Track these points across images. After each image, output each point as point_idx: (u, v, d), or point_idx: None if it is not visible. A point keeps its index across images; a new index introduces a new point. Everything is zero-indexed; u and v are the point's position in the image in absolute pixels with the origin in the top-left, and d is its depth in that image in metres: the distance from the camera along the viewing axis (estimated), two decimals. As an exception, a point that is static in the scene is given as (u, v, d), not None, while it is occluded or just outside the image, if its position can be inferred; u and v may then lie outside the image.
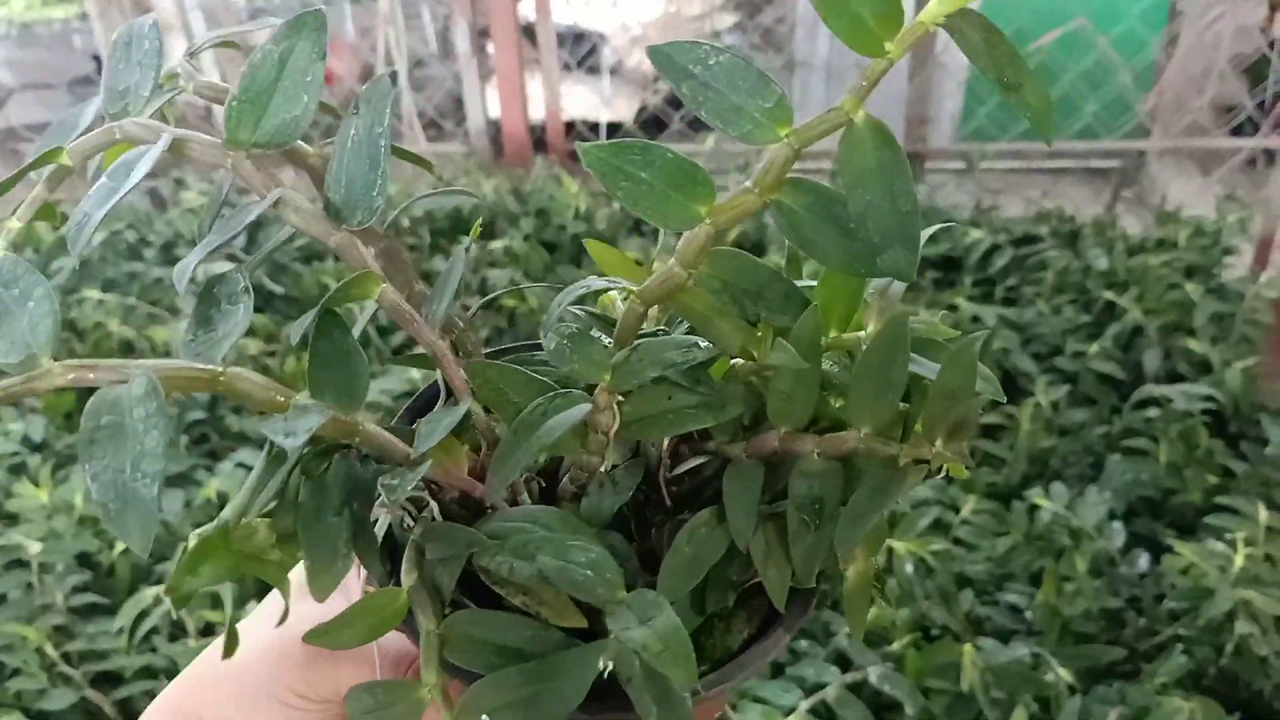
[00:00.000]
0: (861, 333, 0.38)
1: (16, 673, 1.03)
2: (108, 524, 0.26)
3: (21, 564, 1.12)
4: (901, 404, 0.35)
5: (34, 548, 1.11)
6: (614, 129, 2.64)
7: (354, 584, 0.42)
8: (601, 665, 0.33)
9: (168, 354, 1.45)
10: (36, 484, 1.18)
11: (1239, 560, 1.04)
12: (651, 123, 2.77)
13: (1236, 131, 2.41)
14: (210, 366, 0.30)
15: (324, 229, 0.34)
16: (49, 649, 1.04)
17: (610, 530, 0.38)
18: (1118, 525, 1.17)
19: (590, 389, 0.36)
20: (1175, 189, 2.46)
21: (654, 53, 0.32)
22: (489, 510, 0.37)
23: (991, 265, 1.76)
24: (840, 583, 0.38)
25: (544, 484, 0.41)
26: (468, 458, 0.37)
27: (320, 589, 0.34)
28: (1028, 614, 1.08)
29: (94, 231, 0.32)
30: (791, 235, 0.33)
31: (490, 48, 2.40)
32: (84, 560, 1.14)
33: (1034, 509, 1.20)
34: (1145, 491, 1.28)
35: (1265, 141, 2.29)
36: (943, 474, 0.35)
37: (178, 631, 1.09)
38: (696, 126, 2.63)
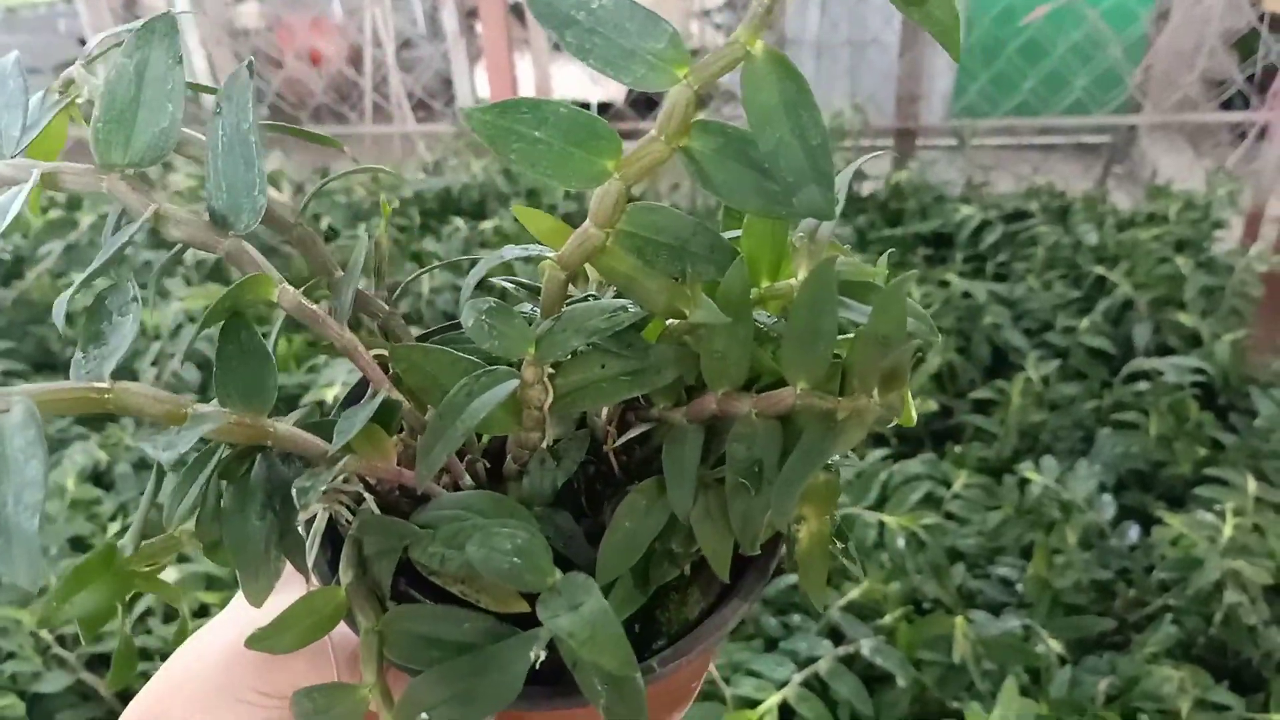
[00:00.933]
0: (793, 280, 0.37)
1: (11, 656, 1.03)
2: None
3: (14, 548, 1.12)
4: (838, 356, 0.33)
5: (26, 531, 1.11)
6: (604, 108, 2.63)
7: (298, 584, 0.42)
8: (533, 656, 0.31)
9: (157, 337, 1.45)
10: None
11: (1228, 531, 1.05)
12: (641, 102, 2.76)
13: (1226, 106, 2.41)
14: (95, 384, 0.29)
15: (210, 238, 0.33)
16: (43, 632, 1.04)
17: (558, 509, 0.37)
18: (1108, 498, 1.18)
19: (519, 365, 0.35)
20: (1166, 164, 2.46)
21: (533, 4, 0.30)
22: (428, 499, 0.36)
23: (982, 241, 1.76)
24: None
25: (489, 465, 0.40)
26: (400, 447, 0.36)
27: (254, 595, 0.33)
28: (1018, 587, 1.09)
29: None
30: (704, 182, 0.31)
31: (479, 27, 2.39)
32: (76, 544, 1.14)
33: (1024, 483, 1.21)
34: (1135, 464, 1.28)
35: (1255, 115, 2.29)
36: (891, 424, 0.34)
37: (172, 613, 1.09)
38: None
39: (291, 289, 0.34)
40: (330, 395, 1.26)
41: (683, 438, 0.35)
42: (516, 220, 1.76)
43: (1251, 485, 1.11)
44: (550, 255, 0.34)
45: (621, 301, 0.34)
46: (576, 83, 2.74)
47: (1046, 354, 1.50)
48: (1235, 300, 1.56)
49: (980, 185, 1.99)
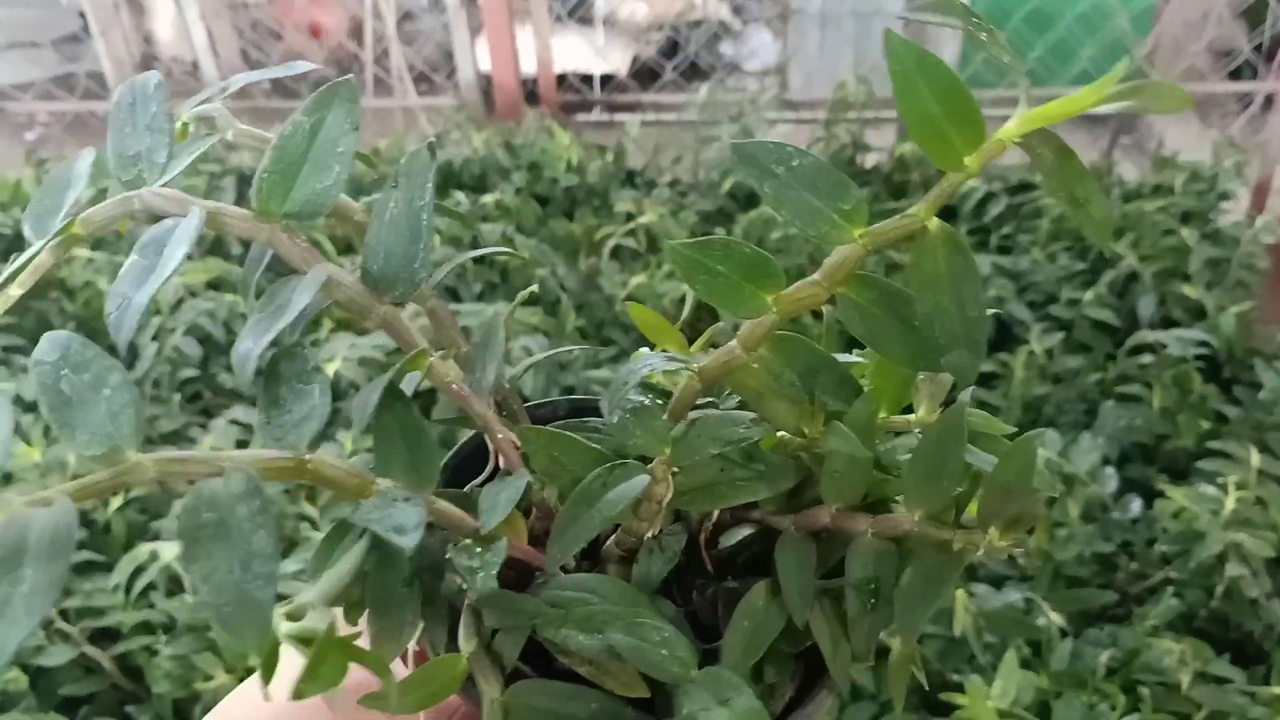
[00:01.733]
0: (911, 416, 0.39)
1: (14, 630, 1.04)
2: (218, 626, 0.25)
3: (17, 523, 1.12)
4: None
5: (28, 506, 1.11)
6: (606, 80, 2.62)
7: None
8: None
9: (157, 312, 1.45)
10: (29, 443, 1.18)
11: (1230, 504, 1.04)
12: (644, 73, 2.74)
13: (1234, 76, 2.39)
14: (296, 455, 0.30)
15: (367, 303, 0.34)
16: (46, 606, 1.04)
17: (658, 596, 0.38)
18: (1110, 471, 1.18)
19: (644, 459, 0.36)
20: (1173, 135, 2.45)
21: (738, 149, 0.33)
22: (536, 573, 0.37)
23: (987, 213, 1.75)
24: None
25: (585, 548, 0.40)
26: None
27: (386, 655, 0.33)
28: (1020, 560, 1.09)
29: (138, 317, 0.30)
30: (855, 327, 0.34)
31: (480, -1, 2.37)
32: (79, 518, 1.14)
33: (1027, 456, 1.20)
34: (1138, 437, 1.28)
35: (1263, 85, 2.26)
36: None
37: (175, 587, 1.09)
38: (690, 77, 2.60)
39: (439, 362, 0.35)
40: (331, 370, 1.26)
41: (796, 547, 0.37)
42: (518, 194, 1.75)
43: (1255, 458, 1.10)
44: (690, 368, 0.37)
45: (748, 414, 0.37)
46: (578, 55, 2.72)
47: (1050, 326, 1.49)
48: (1241, 272, 1.55)
49: (985, 157, 1.97)
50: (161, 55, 2.71)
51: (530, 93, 2.41)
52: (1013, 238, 1.71)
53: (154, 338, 1.40)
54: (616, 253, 1.63)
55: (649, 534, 0.38)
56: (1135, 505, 1.14)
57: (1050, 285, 1.56)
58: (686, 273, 0.34)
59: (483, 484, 0.39)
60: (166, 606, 1.06)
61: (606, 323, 1.51)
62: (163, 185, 0.33)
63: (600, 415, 0.38)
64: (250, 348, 0.31)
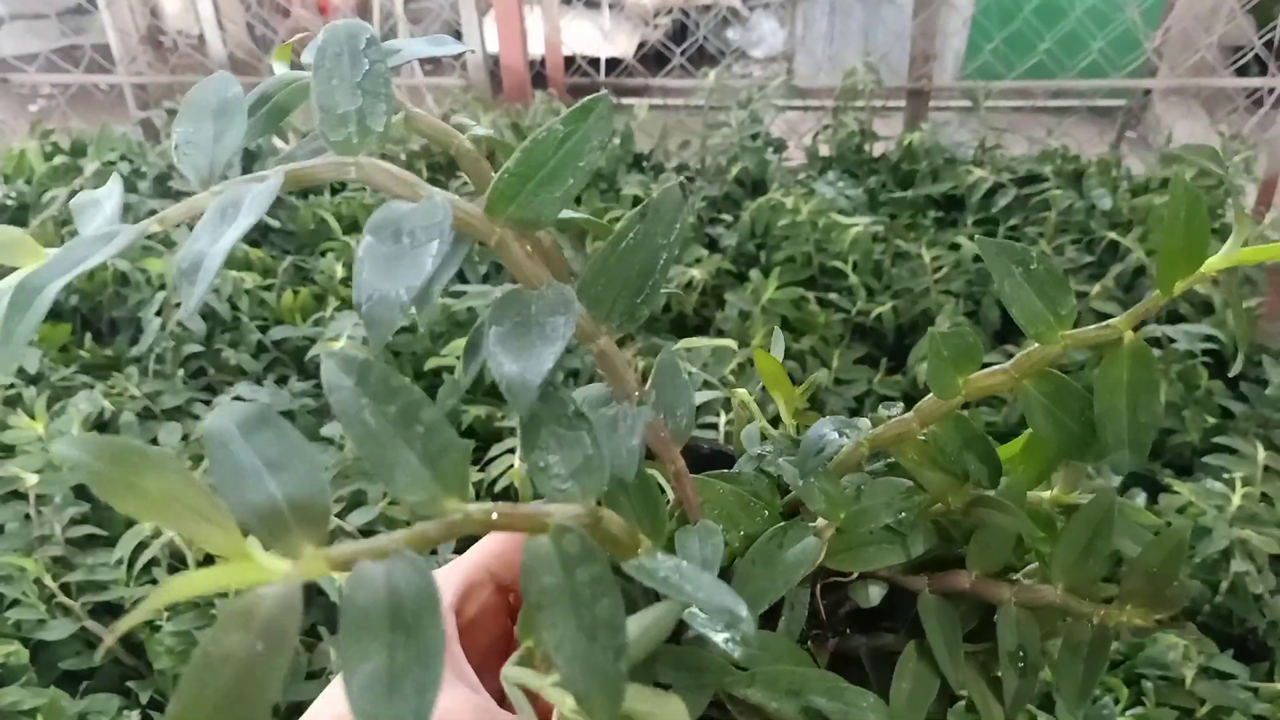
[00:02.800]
0: (1048, 493, 0.42)
1: (16, 603, 1.03)
2: (570, 689, 0.24)
3: (19, 495, 1.11)
4: None
5: (31, 479, 1.10)
6: (614, 64, 2.60)
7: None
8: None
9: (162, 287, 1.44)
10: (32, 416, 1.18)
11: (1236, 499, 1.04)
12: (651, 58, 2.73)
13: (1242, 71, 2.38)
14: (587, 508, 0.28)
15: (590, 330, 0.33)
16: (48, 580, 1.04)
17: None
18: (1116, 465, 1.18)
19: (797, 512, 0.38)
20: (1180, 129, 2.44)
21: (985, 247, 0.37)
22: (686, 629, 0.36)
23: (994, 205, 1.74)
24: None
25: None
26: None
27: (599, 712, 0.30)
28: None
29: (397, 313, 0.28)
30: (1029, 413, 0.37)
31: (488, -21, 2.36)
32: (81, 492, 1.14)
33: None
34: (1144, 432, 1.28)
35: (1272, 81, 2.26)
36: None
37: (177, 563, 1.09)
38: (697, 62, 2.59)
39: (643, 410, 0.35)
40: (337, 348, 1.26)
41: (939, 610, 0.39)
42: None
43: (1261, 454, 1.10)
44: (864, 437, 0.40)
45: (905, 482, 0.39)
46: (585, 38, 2.71)
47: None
48: (1248, 268, 1.55)
49: (993, 148, 1.97)
50: (168, 28, 2.69)
51: (538, 75, 2.40)
52: (1020, 230, 1.70)
53: (158, 313, 1.39)
54: (623, 236, 1.62)
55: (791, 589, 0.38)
56: (1140, 500, 1.14)
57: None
58: (933, 354, 0.37)
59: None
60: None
61: (612, 307, 1.51)
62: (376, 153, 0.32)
63: (694, 451, 0.39)
64: (521, 372, 0.29)
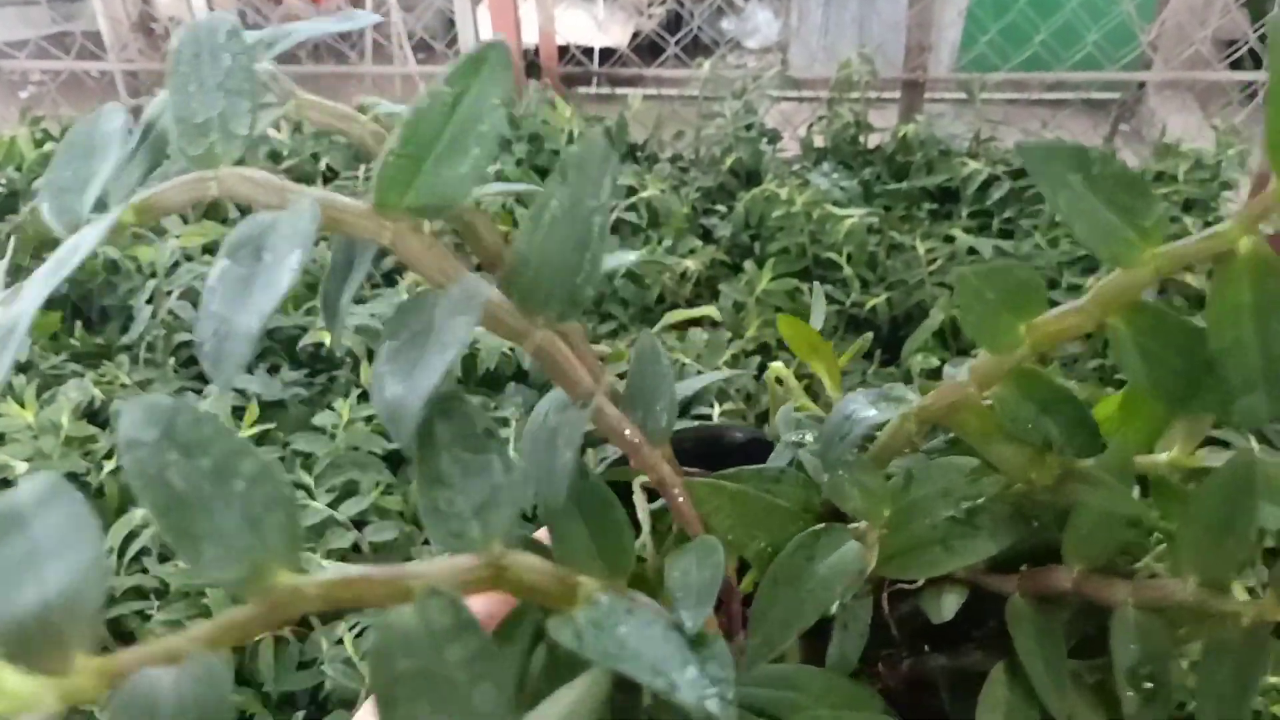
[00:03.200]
0: (1163, 456, 0.34)
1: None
2: None
3: (8, 484, 1.11)
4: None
5: (21, 468, 1.10)
6: (608, 54, 2.59)
7: None
8: None
9: (153, 274, 1.43)
10: (22, 404, 1.17)
11: (1230, 493, 1.04)
12: (646, 48, 2.72)
13: (1236, 65, 2.38)
14: (490, 559, 0.23)
15: (519, 326, 0.28)
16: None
17: (859, 680, 0.32)
18: (1109, 457, 1.17)
19: (839, 514, 0.31)
20: (1174, 123, 2.44)
21: (1025, 152, 0.29)
22: None
23: (989, 197, 1.74)
24: None
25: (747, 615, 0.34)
26: None
27: None
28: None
29: (246, 348, 0.23)
30: (1125, 359, 0.29)
31: (482, -33, 2.35)
32: (72, 480, 1.13)
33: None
34: (1137, 425, 1.28)
35: (1266, 75, 2.26)
36: None
37: (167, 553, 1.08)
38: (691, 52, 2.58)
39: (610, 405, 0.30)
40: (328, 339, 1.25)
41: (1034, 621, 0.31)
42: (518, 165, 1.74)
43: (1255, 448, 1.10)
44: (910, 408, 0.32)
45: (970, 461, 0.32)
46: (580, 27, 2.70)
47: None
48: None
49: (988, 140, 1.96)
50: (159, 15, 2.67)
51: (531, 64, 2.39)
52: (1015, 222, 1.70)
53: (149, 301, 1.39)
54: (617, 227, 1.62)
55: (836, 605, 0.32)
56: (1134, 491, 1.14)
57: (1051, 270, 1.56)
58: (965, 303, 0.29)
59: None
60: (159, 572, 1.05)
61: (606, 297, 1.50)
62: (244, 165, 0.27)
63: (725, 443, 0.33)
64: (404, 395, 0.24)
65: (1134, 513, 0.31)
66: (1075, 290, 1.50)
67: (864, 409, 0.32)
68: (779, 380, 0.39)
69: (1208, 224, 1.62)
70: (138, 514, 1.06)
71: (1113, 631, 0.30)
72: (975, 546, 0.31)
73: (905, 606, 0.34)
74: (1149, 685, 0.30)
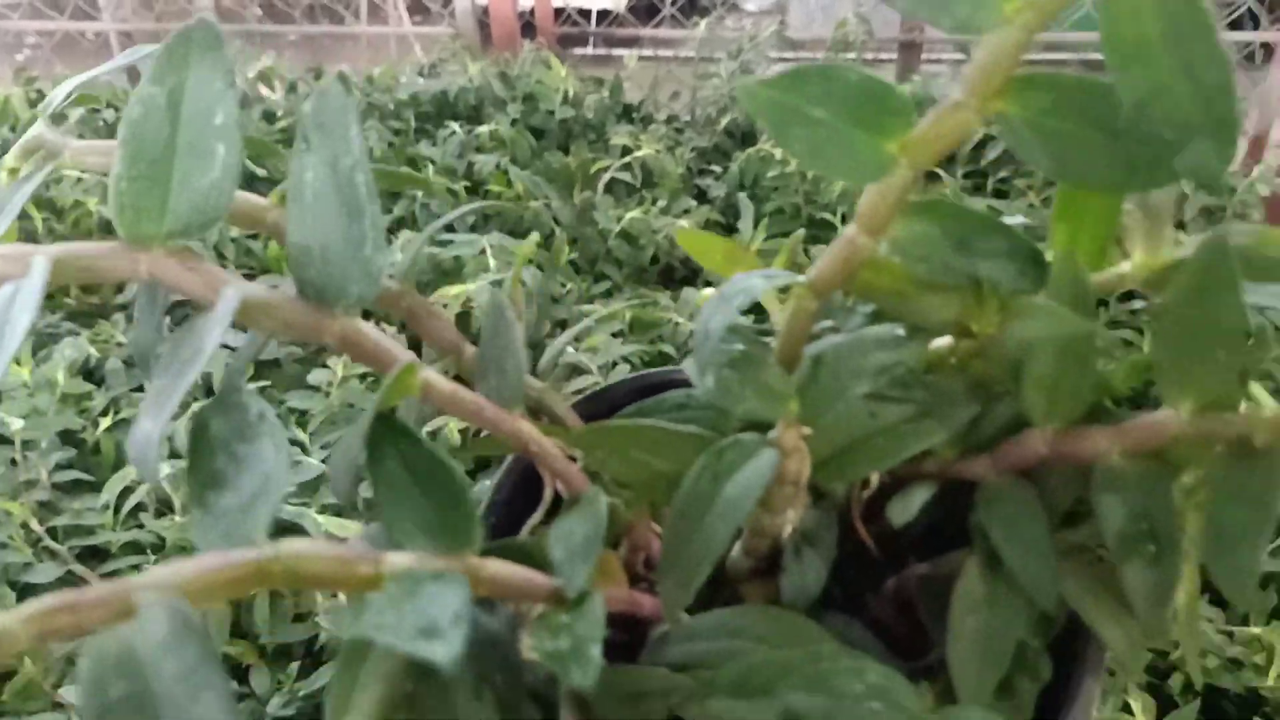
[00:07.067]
0: (1123, 267, 0.29)
1: (3, 547, 1.04)
2: None
3: (4, 440, 1.12)
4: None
5: (16, 424, 1.11)
6: (604, 15, 2.58)
7: None
8: None
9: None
10: (18, 362, 1.18)
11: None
12: (643, 9, 2.70)
13: (1235, 25, 2.37)
14: (253, 553, 0.21)
15: (313, 322, 0.25)
16: (34, 524, 1.05)
17: (827, 611, 0.28)
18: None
19: (758, 426, 0.26)
20: (1172, 84, 2.43)
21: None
22: (651, 625, 0.27)
23: (984, 157, 1.74)
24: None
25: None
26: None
27: None
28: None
29: None
30: (1032, 154, 0.24)
31: (477, -74, 2.33)
32: (67, 437, 1.14)
33: (1016, 398, 1.20)
34: (1127, 383, 1.28)
35: (1264, 35, 2.24)
36: None
37: (164, 508, 1.09)
38: (688, 13, 2.57)
39: (436, 375, 0.26)
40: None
41: (1008, 498, 0.27)
42: (513, 125, 1.73)
43: (1270, 403, 1.11)
44: (798, 281, 0.26)
45: (889, 328, 0.27)
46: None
47: (1043, 272, 1.49)
48: (1235, 222, 1.55)
49: (984, 100, 1.95)
50: (152, -24, 2.66)
51: (527, 24, 2.38)
52: (1009, 182, 1.70)
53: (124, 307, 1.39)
54: (611, 187, 1.62)
55: (788, 530, 0.27)
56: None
57: (1045, 231, 1.56)
58: (776, 124, 0.24)
59: (542, 523, 0.30)
60: (155, 526, 1.06)
61: (600, 257, 1.51)
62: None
63: (679, 386, 0.29)
64: (149, 430, 0.22)
65: (1085, 330, 0.25)
66: (1068, 250, 1.51)
67: (745, 286, 0.27)
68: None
69: (1200, 185, 1.62)
70: (134, 470, 1.07)
71: (1095, 490, 0.26)
72: (923, 430, 0.26)
73: (884, 524, 0.29)
74: (1150, 548, 0.25)
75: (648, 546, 0.29)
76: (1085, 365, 0.26)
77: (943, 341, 0.28)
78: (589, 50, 2.53)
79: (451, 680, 0.23)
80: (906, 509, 0.27)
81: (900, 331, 0.27)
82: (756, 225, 1.49)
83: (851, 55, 2.03)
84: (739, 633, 0.25)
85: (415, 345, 0.31)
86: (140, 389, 1.20)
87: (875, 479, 0.30)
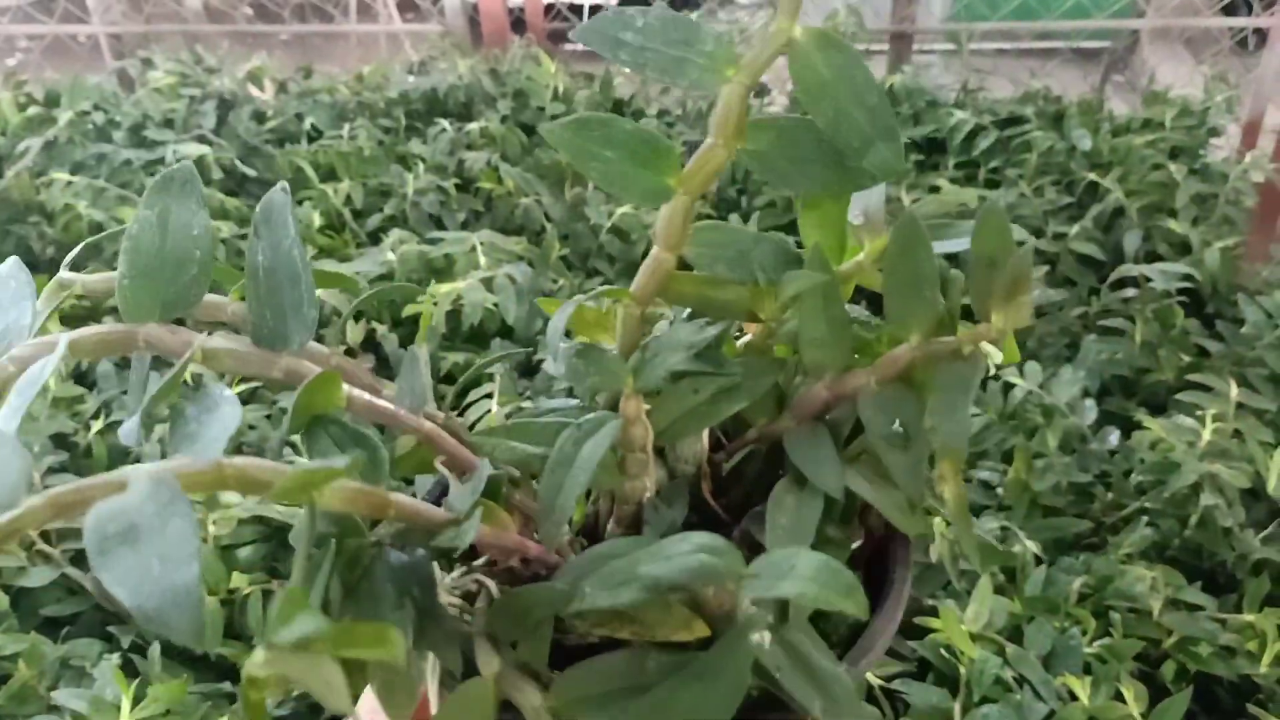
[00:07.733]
0: (860, 255, 0.37)
1: (-4, 551, 1.04)
2: (150, 626, 0.22)
3: (-3, 445, 1.12)
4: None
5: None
6: (595, 11, 2.58)
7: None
8: (757, 639, 0.28)
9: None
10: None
11: (1206, 435, 1.05)
12: (633, 4, 2.70)
13: (1229, 11, 2.37)
14: (214, 460, 0.26)
15: (265, 362, 0.32)
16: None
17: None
18: (1090, 403, 1.18)
19: (613, 407, 0.34)
20: (1165, 71, 2.42)
21: (583, 33, 0.32)
22: (547, 574, 0.34)
23: (975, 147, 1.74)
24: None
25: (586, 543, 0.37)
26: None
27: (398, 709, 0.28)
28: (999, 490, 1.09)
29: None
30: (772, 177, 0.33)
31: (466, -77, 2.32)
32: (60, 441, 1.14)
33: (1009, 387, 1.20)
34: (1119, 370, 1.28)
35: (1258, 21, 2.24)
36: (993, 373, 0.35)
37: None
38: (678, 7, 2.57)
39: (357, 391, 0.33)
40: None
41: (803, 433, 0.35)
42: (503, 122, 1.73)
43: (1234, 391, 1.11)
44: (619, 296, 0.35)
45: (702, 319, 0.35)
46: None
47: (1035, 261, 1.49)
48: (1227, 208, 1.55)
49: (975, 90, 1.95)
50: (141, -22, 2.65)
51: (517, 20, 2.37)
52: (1001, 171, 1.70)
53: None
54: (602, 182, 1.62)
55: (646, 495, 0.35)
56: (1113, 437, 1.14)
57: (1037, 219, 1.56)
58: (577, 160, 0.32)
59: None
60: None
61: (592, 253, 1.51)
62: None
63: None
64: (131, 427, 0.29)
65: (829, 280, 0.33)
66: (1060, 238, 1.51)
67: (572, 301, 0.37)
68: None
69: (1193, 171, 1.62)
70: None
71: (862, 410, 0.34)
72: (736, 396, 0.35)
73: (736, 492, 0.37)
74: (902, 441, 0.34)
75: (529, 509, 0.36)
76: (841, 325, 0.34)
77: (754, 331, 0.36)
78: (579, 46, 2.52)
79: (378, 596, 0.29)
80: (728, 459, 0.37)
81: (705, 321, 0.35)
82: (748, 219, 1.49)
83: (842, 47, 2.02)
84: (611, 554, 0.31)
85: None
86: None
87: (713, 462, 0.38)
